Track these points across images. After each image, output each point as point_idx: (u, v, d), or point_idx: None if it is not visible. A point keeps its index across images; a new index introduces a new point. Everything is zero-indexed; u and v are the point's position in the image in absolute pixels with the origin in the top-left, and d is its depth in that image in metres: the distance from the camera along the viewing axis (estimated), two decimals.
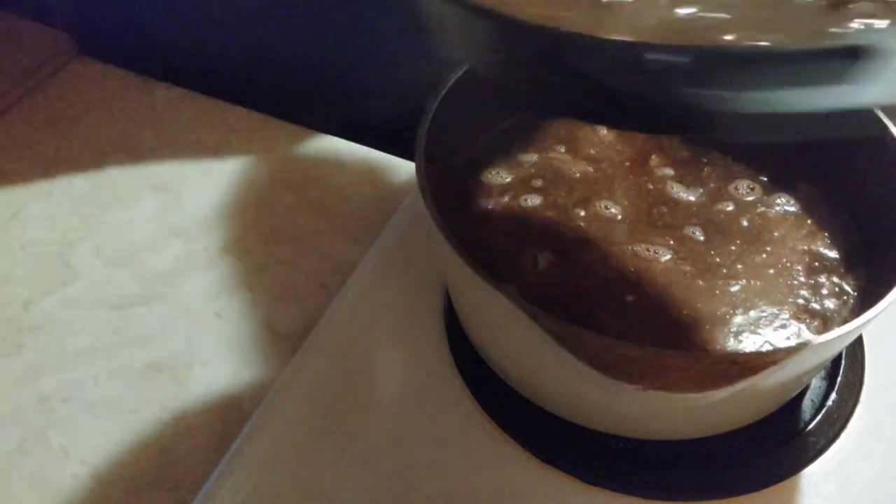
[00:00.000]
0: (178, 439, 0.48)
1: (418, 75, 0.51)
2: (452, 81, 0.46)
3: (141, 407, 0.50)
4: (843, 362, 0.47)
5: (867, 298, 0.41)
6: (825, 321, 0.41)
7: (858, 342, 0.48)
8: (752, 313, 0.41)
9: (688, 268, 0.43)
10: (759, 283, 0.42)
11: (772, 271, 0.43)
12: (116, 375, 0.51)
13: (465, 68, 0.46)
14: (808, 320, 0.41)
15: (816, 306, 0.42)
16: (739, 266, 0.43)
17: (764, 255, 0.44)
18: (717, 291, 0.42)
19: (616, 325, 0.40)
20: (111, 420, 0.49)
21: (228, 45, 0.76)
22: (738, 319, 0.41)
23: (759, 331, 0.41)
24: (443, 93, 0.45)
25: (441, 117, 0.45)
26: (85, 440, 0.48)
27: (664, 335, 0.40)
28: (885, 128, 0.43)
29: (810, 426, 0.44)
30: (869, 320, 0.36)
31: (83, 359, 0.52)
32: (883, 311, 0.36)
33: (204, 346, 0.53)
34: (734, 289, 0.42)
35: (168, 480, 0.47)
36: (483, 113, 0.50)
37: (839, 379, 0.46)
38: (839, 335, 0.35)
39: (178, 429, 0.49)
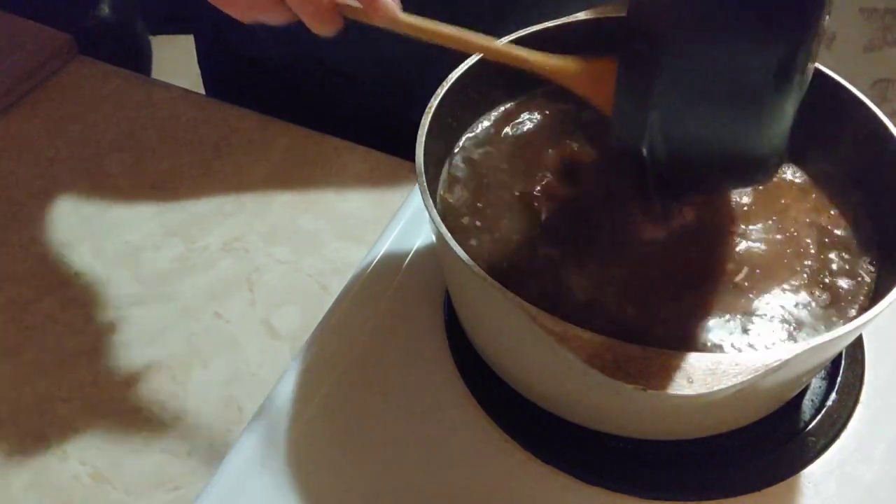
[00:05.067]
0: (178, 439, 0.48)
1: (418, 81, 0.51)
2: (452, 81, 0.46)
3: (141, 407, 0.50)
4: (843, 362, 0.47)
5: (882, 284, 0.41)
6: (834, 296, 0.41)
7: (858, 342, 0.48)
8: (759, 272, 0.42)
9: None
10: (765, 247, 0.43)
11: (779, 237, 0.43)
12: (116, 375, 0.51)
13: (464, 68, 0.46)
14: (816, 292, 0.41)
15: (824, 279, 0.42)
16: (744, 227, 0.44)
17: (770, 222, 0.44)
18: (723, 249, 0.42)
19: (623, 299, 0.41)
20: (111, 420, 0.49)
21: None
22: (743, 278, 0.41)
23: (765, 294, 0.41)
24: (442, 93, 0.45)
25: (441, 117, 0.45)
26: (85, 440, 0.48)
27: (671, 295, 0.41)
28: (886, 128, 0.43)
29: (810, 426, 0.44)
30: (869, 320, 0.36)
31: (83, 359, 0.52)
32: (883, 311, 0.36)
33: (204, 346, 0.53)
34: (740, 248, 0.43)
35: (168, 480, 0.47)
36: (482, 111, 0.50)
37: (839, 379, 0.46)
38: (839, 335, 0.35)
39: (178, 429, 0.49)
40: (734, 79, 0.35)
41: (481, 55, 0.46)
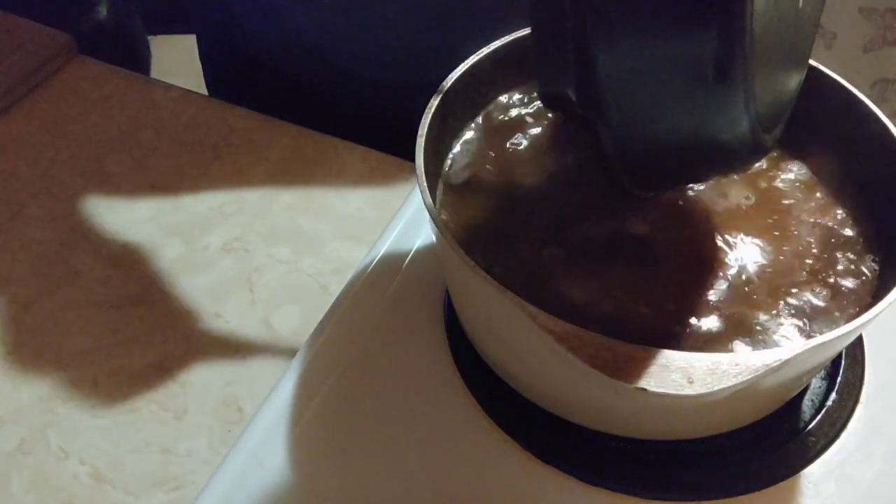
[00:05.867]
0: (178, 439, 0.48)
1: (418, 75, 0.51)
2: (452, 80, 0.46)
3: (141, 407, 0.50)
4: (843, 362, 0.47)
5: (883, 284, 0.41)
6: (835, 292, 0.41)
7: (858, 342, 0.48)
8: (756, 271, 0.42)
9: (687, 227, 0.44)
10: (762, 243, 0.43)
11: (777, 233, 0.44)
12: (116, 375, 0.51)
13: (464, 68, 0.46)
14: (816, 289, 0.41)
15: (828, 277, 0.42)
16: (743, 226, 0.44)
17: (770, 221, 0.44)
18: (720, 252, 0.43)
19: (624, 295, 0.41)
20: (111, 420, 0.49)
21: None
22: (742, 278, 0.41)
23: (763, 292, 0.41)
24: (443, 92, 0.45)
25: (441, 117, 0.45)
26: (85, 440, 0.48)
27: (669, 294, 0.41)
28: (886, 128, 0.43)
29: (810, 426, 0.44)
30: (869, 320, 0.36)
31: (83, 359, 0.52)
32: (883, 310, 0.36)
33: (204, 346, 0.53)
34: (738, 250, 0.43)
35: (168, 480, 0.47)
36: (482, 110, 0.50)
37: (839, 379, 0.46)
38: (839, 335, 0.35)
39: (178, 429, 0.49)
40: (665, 65, 0.34)
41: (500, 44, 0.47)
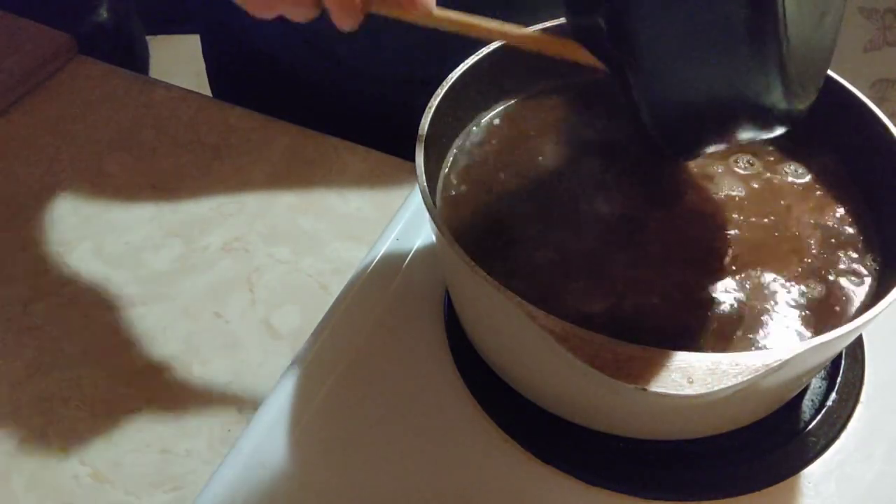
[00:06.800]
0: (178, 439, 0.48)
1: (420, 72, 0.51)
2: (452, 80, 0.46)
3: (141, 407, 0.50)
4: (843, 362, 0.47)
5: (883, 283, 0.41)
6: (835, 291, 0.41)
7: (858, 342, 0.48)
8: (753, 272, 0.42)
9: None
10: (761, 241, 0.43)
11: (776, 232, 0.44)
12: (116, 375, 0.51)
13: (464, 68, 0.46)
14: (816, 287, 0.41)
15: (828, 276, 0.42)
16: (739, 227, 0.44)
17: (766, 221, 0.44)
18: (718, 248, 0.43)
19: (619, 292, 0.41)
20: (111, 420, 0.49)
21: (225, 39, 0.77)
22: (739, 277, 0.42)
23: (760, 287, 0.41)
24: (443, 92, 0.45)
25: (441, 116, 0.45)
26: (85, 440, 0.48)
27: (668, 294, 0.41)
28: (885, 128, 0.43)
29: (810, 426, 0.44)
30: (869, 320, 0.36)
31: (83, 359, 0.52)
32: (883, 310, 0.36)
33: (204, 346, 0.53)
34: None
35: (168, 480, 0.47)
36: (482, 109, 0.50)
37: (839, 379, 0.46)
38: (839, 335, 0.35)
39: (178, 429, 0.49)
40: (700, 25, 0.34)
41: (500, 44, 0.47)
